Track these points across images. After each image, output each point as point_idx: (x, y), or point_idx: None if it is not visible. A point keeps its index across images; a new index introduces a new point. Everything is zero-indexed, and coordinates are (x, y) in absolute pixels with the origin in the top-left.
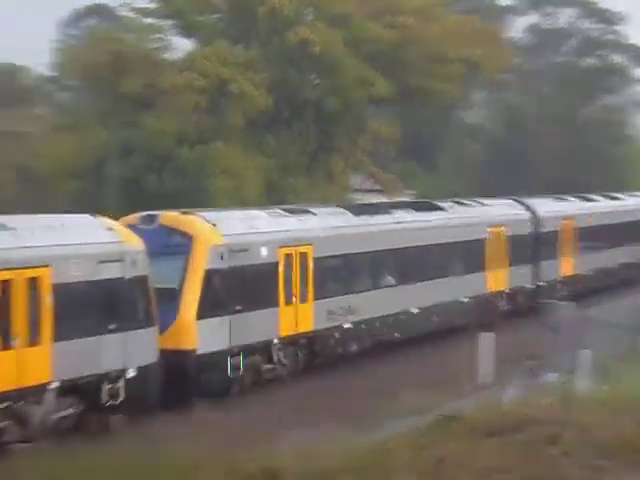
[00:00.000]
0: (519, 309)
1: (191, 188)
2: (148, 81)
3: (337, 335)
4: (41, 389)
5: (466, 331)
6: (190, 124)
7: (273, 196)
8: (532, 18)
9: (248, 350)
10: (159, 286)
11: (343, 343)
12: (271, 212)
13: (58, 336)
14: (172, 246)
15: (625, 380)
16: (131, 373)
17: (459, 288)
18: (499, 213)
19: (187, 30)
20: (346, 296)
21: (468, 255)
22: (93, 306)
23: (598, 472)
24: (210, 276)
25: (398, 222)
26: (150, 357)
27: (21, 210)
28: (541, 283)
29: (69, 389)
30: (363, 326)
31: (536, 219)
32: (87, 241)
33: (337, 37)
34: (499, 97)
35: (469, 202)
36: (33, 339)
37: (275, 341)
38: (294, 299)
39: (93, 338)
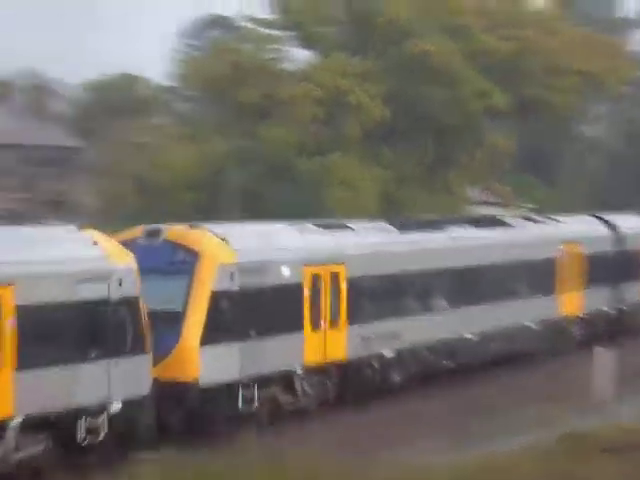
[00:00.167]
0: (597, 335)
1: (308, 199)
2: (266, 92)
3: (376, 364)
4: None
5: (535, 359)
6: (308, 135)
7: (390, 208)
8: None
9: (264, 381)
10: (161, 308)
11: (383, 373)
12: (299, 227)
13: (22, 364)
14: (176, 264)
15: None
16: (115, 407)
17: (525, 312)
18: (574, 230)
19: (306, 41)
20: (387, 321)
21: (536, 275)
22: (67, 331)
23: None
24: (217, 298)
25: (452, 239)
26: (141, 389)
27: (139, 221)
28: (623, 307)
29: (36, 425)
30: (408, 354)
31: (618, 236)
32: (62, 257)
33: (455, 49)
34: (619, 110)
35: (541, 218)
36: None
37: (298, 370)
38: (322, 324)
39: (67, 367)
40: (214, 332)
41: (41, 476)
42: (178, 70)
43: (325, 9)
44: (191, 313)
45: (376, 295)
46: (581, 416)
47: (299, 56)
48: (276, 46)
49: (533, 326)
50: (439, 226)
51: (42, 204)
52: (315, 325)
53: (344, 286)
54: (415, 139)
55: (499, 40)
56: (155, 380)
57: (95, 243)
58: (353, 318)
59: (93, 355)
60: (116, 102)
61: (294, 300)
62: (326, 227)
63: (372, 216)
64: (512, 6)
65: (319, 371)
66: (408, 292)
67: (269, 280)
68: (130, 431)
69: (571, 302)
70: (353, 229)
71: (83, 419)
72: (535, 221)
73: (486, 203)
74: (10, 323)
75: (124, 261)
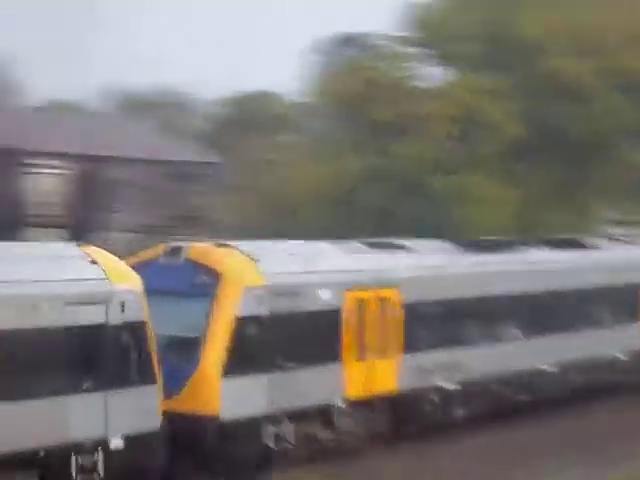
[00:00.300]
0: None
1: (440, 216)
2: (400, 109)
3: (435, 397)
4: None
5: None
6: (442, 152)
7: (522, 227)
8: None
9: (298, 415)
10: (178, 334)
11: (444, 407)
12: (345, 247)
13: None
14: (197, 285)
15: None
16: (115, 443)
17: (611, 341)
18: None
19: (441, 59)
20: (449, 350)
21: (625, 302)
22: (54, 359)
23: None
24: (242, 324)
25: (526, 262)
26: (147, 423)
27: (267, 237)
28: None
29: (17, 463)
30: (474, 387)
31: None
32: (49, 278)
33: (588, 67)
34: None
35: (629, 239)
36: None
37: (337, 404)
38: (368, 353)
39: (54, 399)
40: (238, 361)
41: None
42: (311, 88)
43: (461, 27)
44: (211, 340)
45: (436, 322)
46: None
47: (431, 73)
48: (410, 64)
49: (621, 357)
50: (511, 247)
51: (178, 219)
52: (358, 354)
53: (397, 312)
54: (548, 157)
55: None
56: (170, 414)
57: (93, 262)
58: (407, 347)
59: (86, 386)
60: (251, 119)
61: (332, 327)
62: (378, 247)
63: (504, 235)
64: None
65: (364, 405)
66: (474, 319)
67: (303, 305)
68: (134, 471)
69: None
70: (410, 249)
71: (74, 456)
72: (624, 242)
73: (621, 223)
74: None
75: (127, 283)
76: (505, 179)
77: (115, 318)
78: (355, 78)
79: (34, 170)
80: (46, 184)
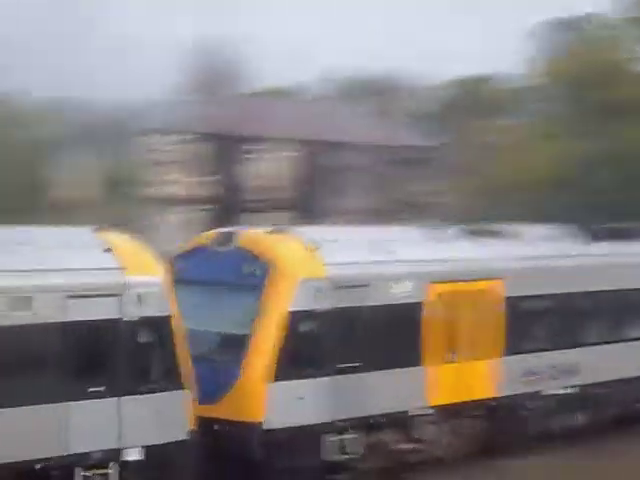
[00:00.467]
0: None
1: None
2: (631, 92)
3: (540, 404)
4: None
5: None
6: None
7: None
8: None
9: (365, 425)
10: (225, 331)
11: (550, 415)
12: (434, 233)
13: None
14: (247, 277)
15: None
16: (132, 455)
17: None
18: None
19: None
20: (562, 352)
21: None
22: (50, 360)
23: None
24: (296, 320)
25: None
26: (172, 433)
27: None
28: None
29: (19, 474)
30: (594, 392)
31: None
32: (48, 267)
33: None
34: None
35: None
36: None
37: (418, 412)
38: (457, 355)
39: (53, 405)
40: (289, 362)
41: None
42: (536, 70)
43: None
44: (258, 339)
45: (547, 319)
46: None
47: None
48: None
49: None
50: None
51: (402, 204)
52: (445, 356)
53: (498, 308)
54: None
55: None
56: (212, 421)
57: (108, 250)
58: (509, 347)
59: (98, 390)
60: (473, 102)
61: (410, 325)
62: (478, 234)
63: None
64: None
65: (452, 412)
66: (596, 317)
67: (374, 299)
68: None
69: None
70: (520, 237)
71: (80, 469)
72: None
73: None
74: None
75: (148, 273)
76: None
77: (130, 313)
78: (580, 60)
79: (255, 155)
80: (267, 169)
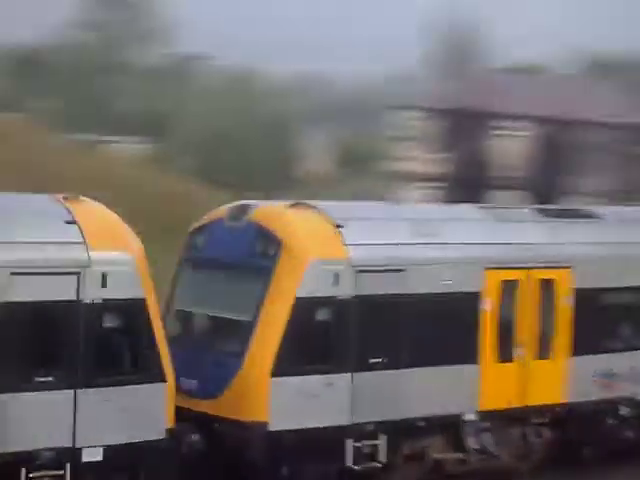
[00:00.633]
0: None
1: None
2: None
3: (617, 412)
4: None
5: None
6: None
7: None
8: None
9: (400, 429)
10: (227, 317)
11: (630, 425)
12: (489, 212)
13: None
14: (257, 256)
15: None
16: (90, 456)
17: None
18: None
19: None
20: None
21: None
22: None
23: None
24: (305, 308)
25: None
26: (143, 432)
27: None
28: None
29: None
30: None
31: None
32: None
33: None
34: None
35: None
36: None
37: (467, 417)
38: (520, 353)
39: None
40: (299, 355)
41: None
42: None
43: None
44: (262, 326)
45: (628, 314)
46: None
47: None
48: None
49: None
50: None
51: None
52: (503, 354)
53: (567, 300)
54: None
55: None
56: (209, 419)
57: (71, 222)
58: (581, 346)
59: (41, 381)
60: None
61: (461, 317)
62: (546, 214)
63: None
64: None
65: (509, 419)
66: None
67: (413, 287)
68: None
69: None
70: (598, 218)
71: (24, 470)
72: None
73: None
74: None
75: (117, 249)
76: None
77: (92, 294)
78: None
79: (500, 132)
80: (511, 146)
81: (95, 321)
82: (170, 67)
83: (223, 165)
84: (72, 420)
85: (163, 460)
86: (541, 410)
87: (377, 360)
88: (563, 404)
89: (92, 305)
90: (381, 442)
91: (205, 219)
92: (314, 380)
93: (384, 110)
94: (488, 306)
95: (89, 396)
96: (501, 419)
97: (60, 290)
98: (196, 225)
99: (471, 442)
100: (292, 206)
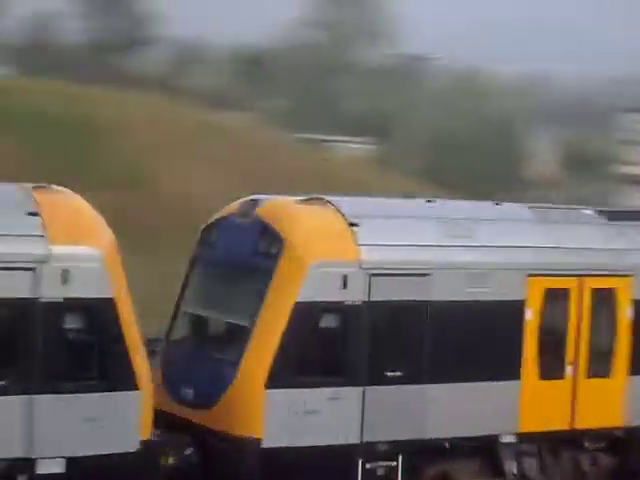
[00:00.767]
0: None
1: None
2: None
3: None
4: None
5: None
6: None
7: None
8: None
9: (419, 451)
10: (225, 321)
11: None
12: (539, 212)
13: None
14: (261, 255)
15: None
16: (48, 468)
17: None
18: None
19: None
20: None
21: None
22: None
23: None
24: (306, 314)
25: None
26: (112, 443)
27: None
28: None
29: None
30: None
31: None
32: None
33: None
34: None
35: None
36: None
37: (506, 439)
38: (570, 370)
39: None
40: (298, 366)
41: None
42: None
43: None
44: (259, 333)
45: None
46: None
47: None
48: None
49: None
50: None
51: None
52: (549, 370)
53: (627, 312)
54: None
55: None
56: (201, 430)
57: (32, 213)
58: None
59: None
60: None
61: (501, 328)
62: (608, 216)
63: None
64: None
65: (556, 442)
66: None
67: (440, 293)
68: None
69: None
70: None
71: None
72: None
73: None
74: None
75: (82, 244)
76: None
77: (51, 292)
78: None
79: None
80: None
81: (54, 321)
82: (396, 67)
83: (449, 166)
84: (26, 428)
85: (136, 474)
86: (597, 434)
87: (394, 374)
88: (622, 427)
89: (50, 304)
90: (397, 464)
91: (217, 215)
92: (316, 393)
93: (610, 112)
94: (531, 317)
95: (47, 403)
96: (548, 442)
97: (14, 287)
98: (208, 221)
99: (510, 466)
100: (302, 201)
